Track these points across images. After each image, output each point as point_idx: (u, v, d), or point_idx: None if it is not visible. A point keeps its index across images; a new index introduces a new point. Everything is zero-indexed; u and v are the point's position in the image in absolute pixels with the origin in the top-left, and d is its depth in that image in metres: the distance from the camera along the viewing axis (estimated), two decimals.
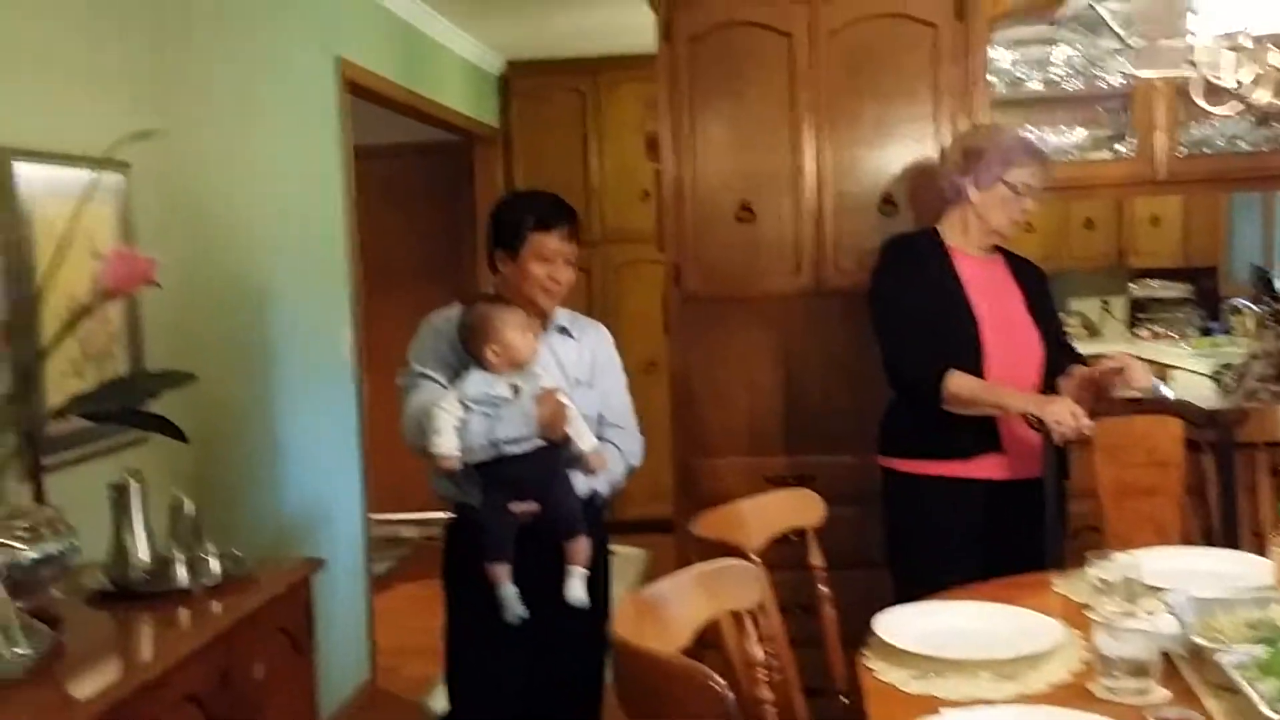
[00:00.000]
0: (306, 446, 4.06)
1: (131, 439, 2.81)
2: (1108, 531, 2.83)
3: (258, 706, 2.32)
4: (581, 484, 2.75)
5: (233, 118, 3.59)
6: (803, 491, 2.70)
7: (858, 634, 2.15)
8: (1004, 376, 2.99)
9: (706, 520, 2.41)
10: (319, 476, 4.19)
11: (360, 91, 4.69)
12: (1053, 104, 3.91)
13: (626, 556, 6.22)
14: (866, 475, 3.23)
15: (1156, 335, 6.45)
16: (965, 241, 3.12)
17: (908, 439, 3.10)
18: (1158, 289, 6.70)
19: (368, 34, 4.85)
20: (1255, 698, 1.67)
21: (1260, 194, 5.78)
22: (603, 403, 2.83)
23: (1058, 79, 3.83)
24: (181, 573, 2.33)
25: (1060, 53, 3.81)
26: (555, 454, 2.68)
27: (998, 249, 3.17)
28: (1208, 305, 6.51)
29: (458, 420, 2.60)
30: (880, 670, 2.01)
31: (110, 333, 2.84)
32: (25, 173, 2.53)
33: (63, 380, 2.56)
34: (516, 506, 2.66)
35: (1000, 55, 3.81)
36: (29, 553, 2.03)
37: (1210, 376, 4.27)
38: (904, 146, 3.68)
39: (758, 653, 1.99)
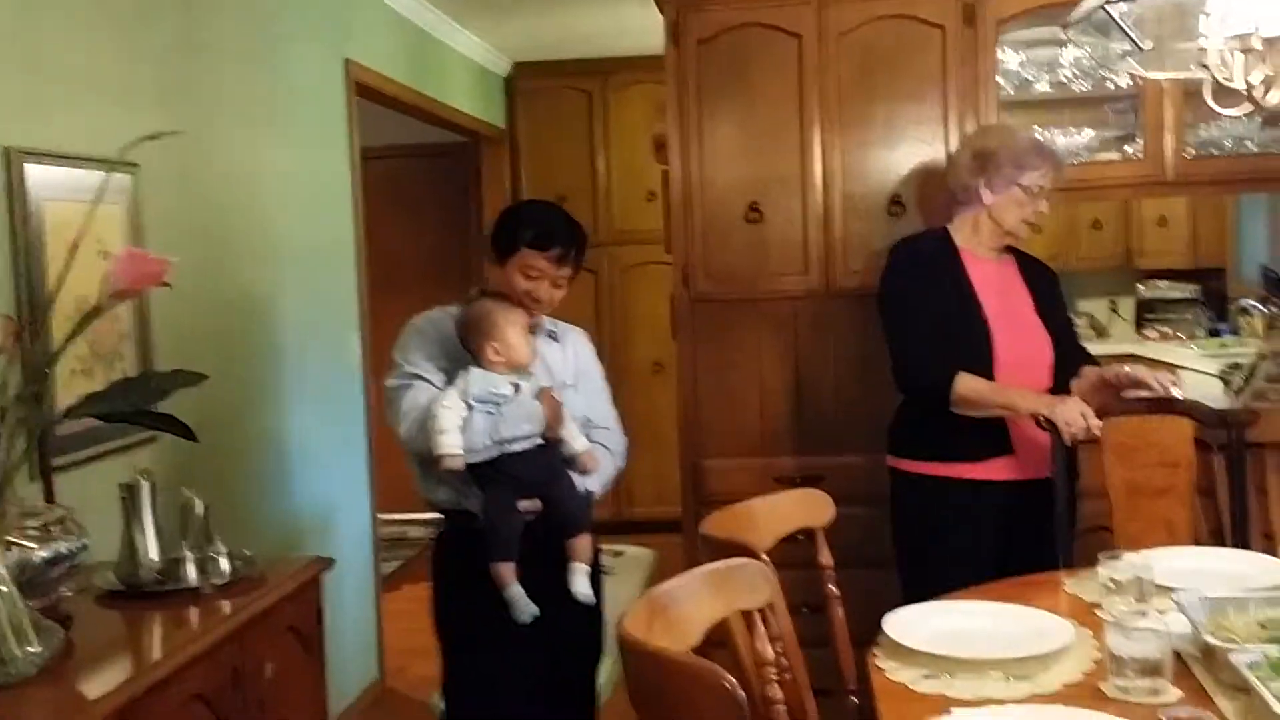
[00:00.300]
0: (315, 446, 4.07)
1: (141, 439, 2.82)
2: (1118, 531, 2.83)
3: (267, 706, 2.32)
4: (577, 484, 2.74)
5: (241, 119, 3.60)
6: (812, 491, 2.69)
7: (868, 633, 2.15)
8: (1014, 377, 2.99)
9: (716, 520, 2.40)
10: (327, 476, 4.20)
11: (368, 93, 4.70)
12: (1061, 105, 3.92)
13: (634, 557, 6.21)
14: (876, 476, 3.23)
15: (1164, 336, 6.43)
16: (975, 243, 3.12)
17: (917, 440, 3.10)
18: (1165, 290, 6.68)
19: (375, 35, 4.86)
20: (1268, 696, 1.67)
21: (1268, 195, 5.76)
22: (587, 405, 2.83)
23: (1066, 80, 3.84)
24: (191, 572, 2.34)
25: (1069, 54, 3.82)
26: (555, 451, 2.67)
27: (1009, 250, 3.17)
28: (1215, 306, 6.50)
29: (460, 419, 2.57)
30: (891, 670, 2.00)
31: (120, 333, 2.84)
32: (36, 174, 2.53)
33: (72, 380, 2.58)
34: (523, 504, 2.65)
35: (1009, 57, 3.82)
36: (40, 552, 2.03)
37: (1218, 377, 4.25)
38: (913, 148, 3.68)
39: (768, 652, 1.98)
